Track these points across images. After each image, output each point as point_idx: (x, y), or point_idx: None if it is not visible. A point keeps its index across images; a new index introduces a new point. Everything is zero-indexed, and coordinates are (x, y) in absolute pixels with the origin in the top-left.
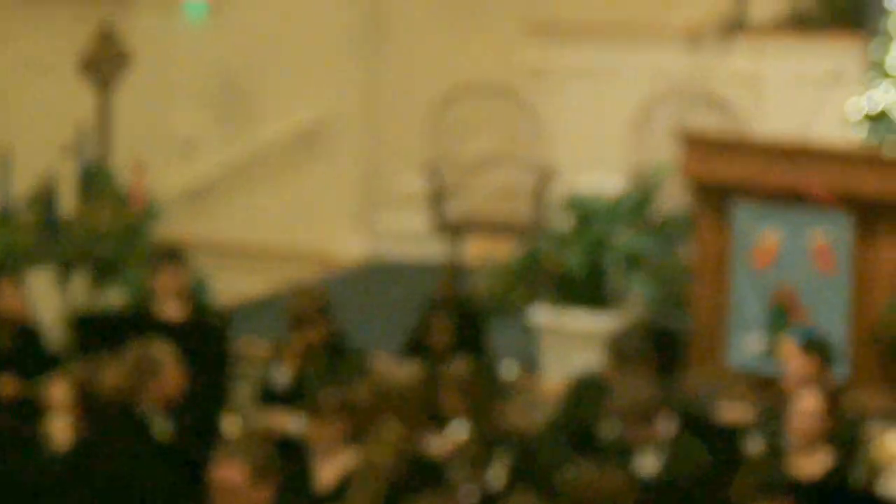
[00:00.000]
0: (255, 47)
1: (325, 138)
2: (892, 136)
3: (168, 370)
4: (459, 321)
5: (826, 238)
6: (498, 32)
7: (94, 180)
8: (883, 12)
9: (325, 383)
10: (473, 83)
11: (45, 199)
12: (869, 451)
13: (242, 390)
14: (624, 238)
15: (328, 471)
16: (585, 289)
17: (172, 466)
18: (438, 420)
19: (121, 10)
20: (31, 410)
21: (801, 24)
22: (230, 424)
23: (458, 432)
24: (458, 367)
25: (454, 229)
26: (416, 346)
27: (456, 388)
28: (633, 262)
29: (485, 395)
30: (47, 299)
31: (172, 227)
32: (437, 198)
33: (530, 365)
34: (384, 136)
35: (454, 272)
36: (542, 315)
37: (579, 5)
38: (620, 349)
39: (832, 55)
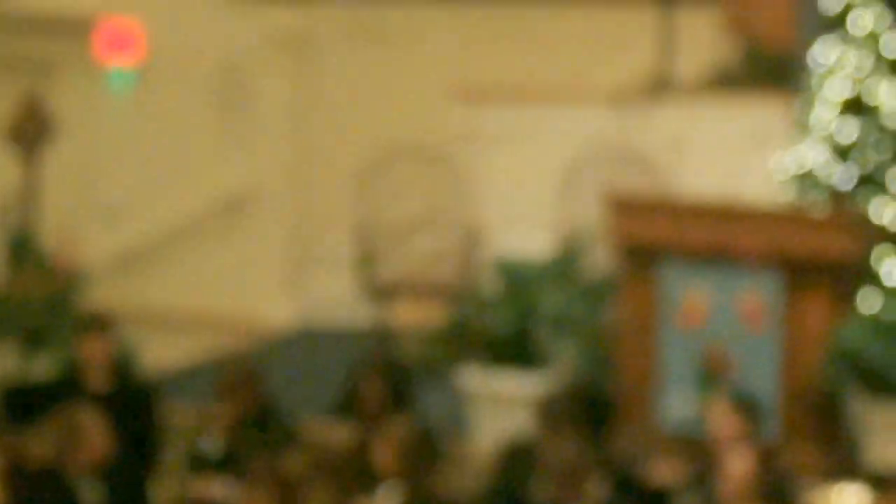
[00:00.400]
0: (183, 113)
1: (253, 204)
2: (819, 194)
3: (93, 438)
4: (391, 384)
5: (755, 297)
6: (425, 96)
7: (21, 249)
8: (807, 71)
9: (256, 451)
10: (401, 147)
11: None
12: None
13: (172, 458)
14: (552, 300)
15: None
16: (514, 351)
17: None
18: (371, 483)
19: (46, 79)
20: None
21: (726, 83)
22: (160, 493)
23: (390, 495)
24: (394, 428)
25: (383, 293)
26: (348, 410)
27: (391, 450)
28: (562, 324)
29: (419, 457)
30: None
31: (101, 295)
32: (366, 262)
33: (460, 428)
34: (312, 200)
35: (383, 336)
36: (472, 378)
37: (505, 68)
38: (550, 412)
39: (758, 114)
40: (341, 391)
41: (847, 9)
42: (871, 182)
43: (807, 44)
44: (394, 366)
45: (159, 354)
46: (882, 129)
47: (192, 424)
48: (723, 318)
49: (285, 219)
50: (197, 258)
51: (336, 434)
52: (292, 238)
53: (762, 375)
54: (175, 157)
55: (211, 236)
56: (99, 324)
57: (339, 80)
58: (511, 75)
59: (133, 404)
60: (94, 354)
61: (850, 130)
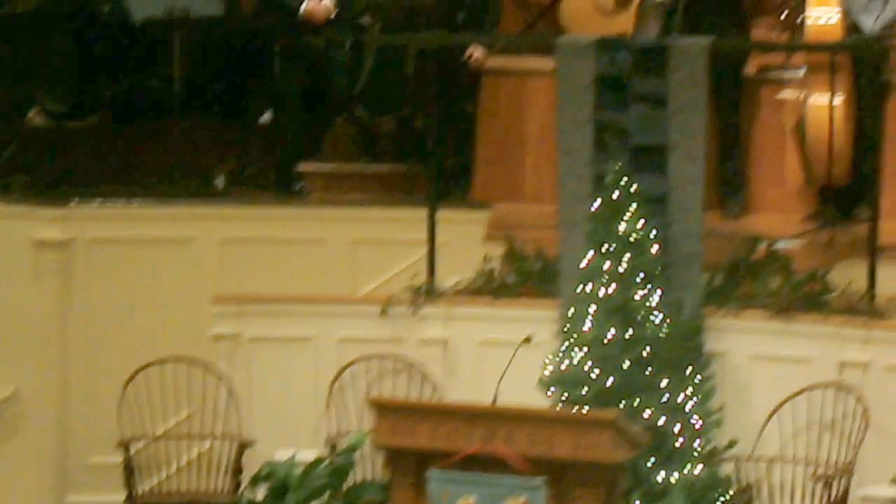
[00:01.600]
0: None
1: (15, 416)
2: (583, 397)
3: None
4: None
5: (521, 502)
6: (189, 304)
7: None
8: (570, 276)
9: None
10: (167, 356)
11: None
12: None
13: None
14: None
15: None
16: None
17: None
18: None
19: None
20: None
21: (492, 289)
22: None
23: None
24: None
25: (150, 503)
26: None
27: None
28: None
29: None
30: None
31: None
32: (130, 473)
33: None
34: (77, 412)
35: None
36: None
37: (271, 277)
38: None
39: (524, 320)
40: None
41: (610, 213)
42: (632, 384)
43: (565, 247)
44: None
45: None
46: (641, 332)
47: None
48: None
49: (49, 428)
50: None
51: None
52: (57, 450)
53: None
54: None
55: None
56: None
57: (103, 289)
58: (278, 284)
59: None
60: None
61: (611, 333)
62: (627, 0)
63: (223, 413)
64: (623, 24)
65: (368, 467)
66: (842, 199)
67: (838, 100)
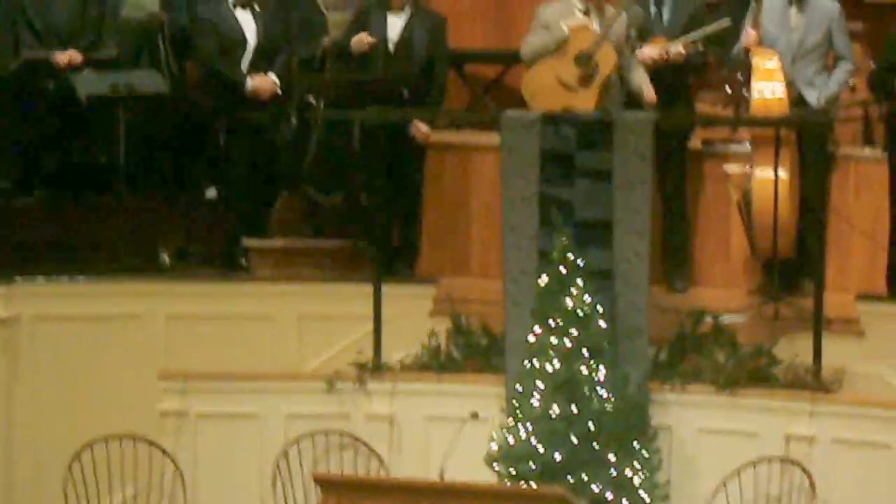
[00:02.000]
0: None
1: None
2: (529, 471)
3: None
4: None
5: None
6: (136, 381)
7: None
8: (517, 351)
9: None
10: (112, 433)
11: None
12: None
13: None
14: None
15: None
16: None
17: None
18: None
19: None
20: None
21: (438, 366)
22: None
23: None
24: None
25: None
26: None
27: None
28: None
29: None
30: None
31: None
32: None
33: None
34: (22, 489)
35: None
36: None
37: (216, 354)
38: None
39: (470, 395)
40: None
41: (556, 288)
42: (579, 459)
43: (511, 323)
44: None
45: None
46: (588, 406)
47: None
48: None
49: None
50: None
51: None
52: None
53: None
54: None
55: None
56: None
57: (48, 366)
58: (224, 360)
59: None
60: None
61: (557, 408)
62: (591, 77)
63: (169, 490)
64: (586, 99)
65: None
66: (787, 272)
67: (783, 173)
